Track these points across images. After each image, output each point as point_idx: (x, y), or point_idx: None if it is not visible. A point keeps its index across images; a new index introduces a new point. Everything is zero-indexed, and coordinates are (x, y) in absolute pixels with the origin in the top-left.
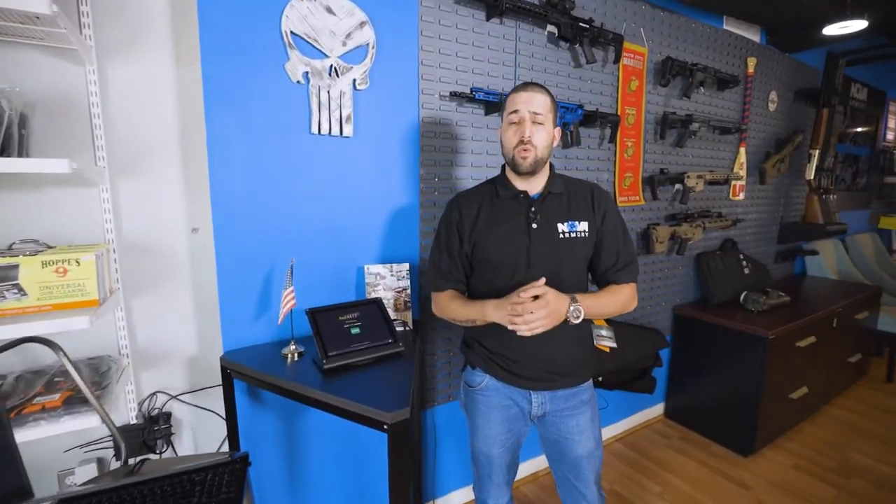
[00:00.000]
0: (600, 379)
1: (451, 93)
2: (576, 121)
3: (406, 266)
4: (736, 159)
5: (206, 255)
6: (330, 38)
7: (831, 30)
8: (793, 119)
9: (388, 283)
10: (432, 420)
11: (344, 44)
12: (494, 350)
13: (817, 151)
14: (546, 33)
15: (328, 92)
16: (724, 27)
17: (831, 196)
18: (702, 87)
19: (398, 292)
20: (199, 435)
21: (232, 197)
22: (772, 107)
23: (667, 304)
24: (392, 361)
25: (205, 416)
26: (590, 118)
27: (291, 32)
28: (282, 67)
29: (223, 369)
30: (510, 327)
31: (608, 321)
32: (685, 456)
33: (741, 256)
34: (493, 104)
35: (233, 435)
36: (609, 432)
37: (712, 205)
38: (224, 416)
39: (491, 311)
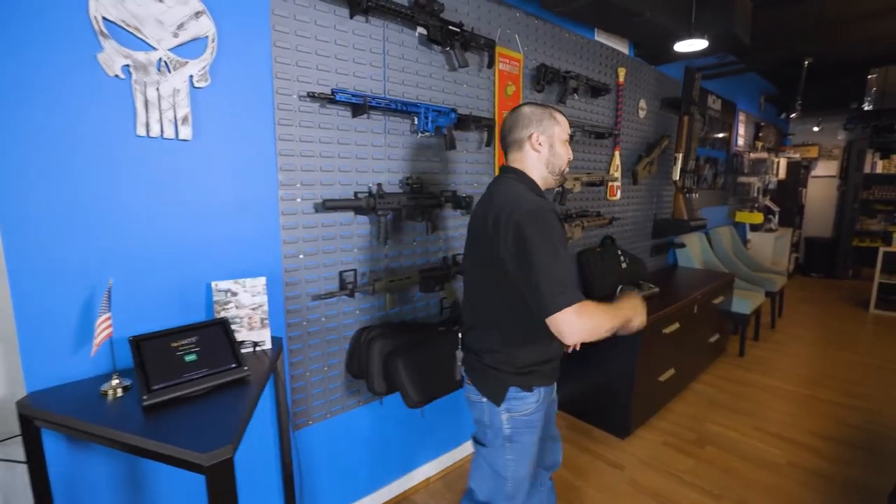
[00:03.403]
0: None
1: (308, 93)
2: (449, 124)
3: (262, 280)
4: (612, 162)
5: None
6: (157, 27)
7: (680, 47)
8: (660, 125)
9: (241, 300)
10: (307, 441)
11: (176, 35)
12: (548, 359)
13: (681, 155)
14: (417, 35)
15: (157, 89)
16: (596, 38)
17: (694, 194)
18: (576, 94)
19: (253, 309)
20: (12, 493)
21: (27, 210)
22: (642, 114)
23: None
24: (234, 389)
25: (19, 470)
26: (464, 122)
27: (104, 19)
28: (94, 59)
29: (21, 416)
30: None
31: None
32: (569, 444)
33: (619, 252)
34: (361, 106)
35: (42, 495)
36: None
37: (591, 205)
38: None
39: (638, 309)
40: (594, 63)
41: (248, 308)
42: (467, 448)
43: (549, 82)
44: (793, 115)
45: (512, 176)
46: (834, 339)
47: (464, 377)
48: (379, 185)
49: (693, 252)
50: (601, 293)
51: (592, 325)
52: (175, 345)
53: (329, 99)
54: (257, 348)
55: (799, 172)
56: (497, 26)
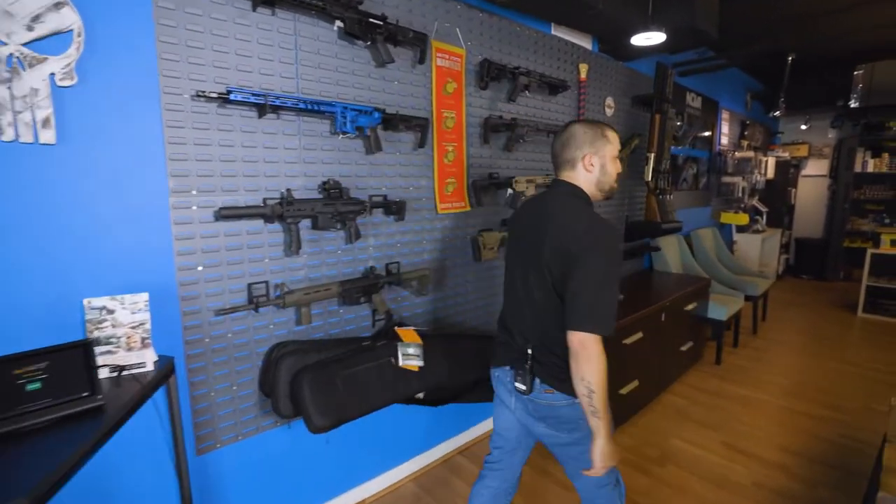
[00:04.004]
0: (420, 396)
1: (196, 92)
2: (373, 124)
3: (144, 296)
4: None
5: None
6: (5, 19)
7: (637, 40)
8: (631, 123)
9: (118, 318)
10: (216, 465)
11: (30, 28)
12: None
13: (653, 154)
14: (336, 29)
15: (9, 88)
16: (553, 33)
17: (668, 196)
18: (527, 91)
19: (133, 328)
20: None
21: None
22: (609, 112)
23: None
24: (85, 421)
25: None
26: (392, 122)
27: None
28: None
29: None
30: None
31: (423, 334)
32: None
33: None
34: (263, 106)
35: None
36: (453, 444)
37: None
38: None
39: (607, 432)
40: (551, 59)
41: (126, 327)
42: (393, 475)
43: (497, 79)
44: (777, 112)
45: (570, 191)
46: (817, 345)
47: (536, 390)
48: (287, 190)
49: (670, 255)
50: None
51: (602, 358)
52: (18, 371)
53: (224, 99)
54: (134, 371)
55: (788, 172)
56: (433, 19)
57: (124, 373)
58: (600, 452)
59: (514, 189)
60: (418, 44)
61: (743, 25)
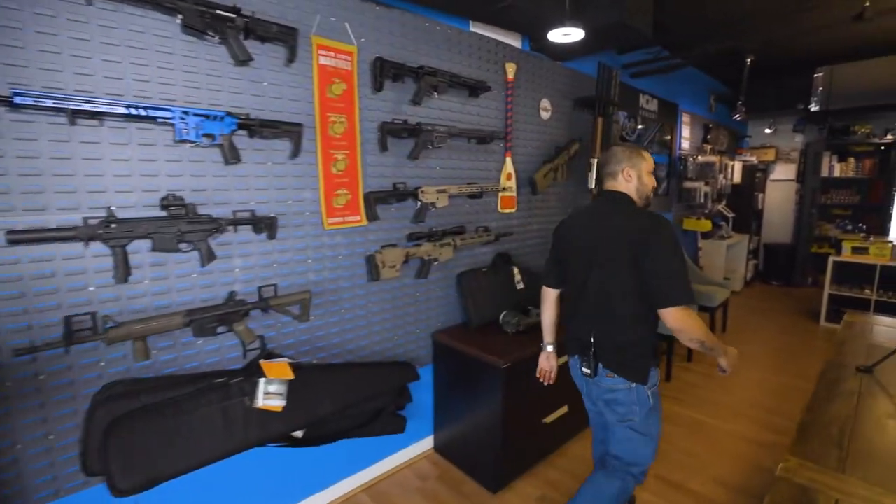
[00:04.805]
0: (300, 435)
1: None
2: (226, 132)
3: None
4: (503, 169)
5: None
6: None
7: (554, 35)
8: (576, 127)
9: None
10: None
11: None
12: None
13: (595, 160)
14: (178, 22)
15: None
16: (472, 30)
17: None
18: (435, 93)
19: None
20: None
21: None
22: (545, 115)
23: (428, 331)
24: None
25: None
26: (252, 128)
27: None
28: None
29: None
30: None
31: (301, 366)
32: (432, 502)
33: (516, 271)
34: (79, 112)
35: None
36: (361, 478)
37: (478, 219)
38: None
39: (729, 354)
40: (470, 58)
41: None
42: None
43: (398, 79)
44: (737, 115)
45: (618, 197)
46: (774, 357)
47: (600, 374)
48: (108, 208)
49: None
50: (483, 320)
51: (696, 321)
52: None
53: (7, 102)
54: None
55: (755, 176)
56: (312, 12)
57: None
58: (725, 366)
59: (421, 200)
60: (287, 39)
61: (696, 25)
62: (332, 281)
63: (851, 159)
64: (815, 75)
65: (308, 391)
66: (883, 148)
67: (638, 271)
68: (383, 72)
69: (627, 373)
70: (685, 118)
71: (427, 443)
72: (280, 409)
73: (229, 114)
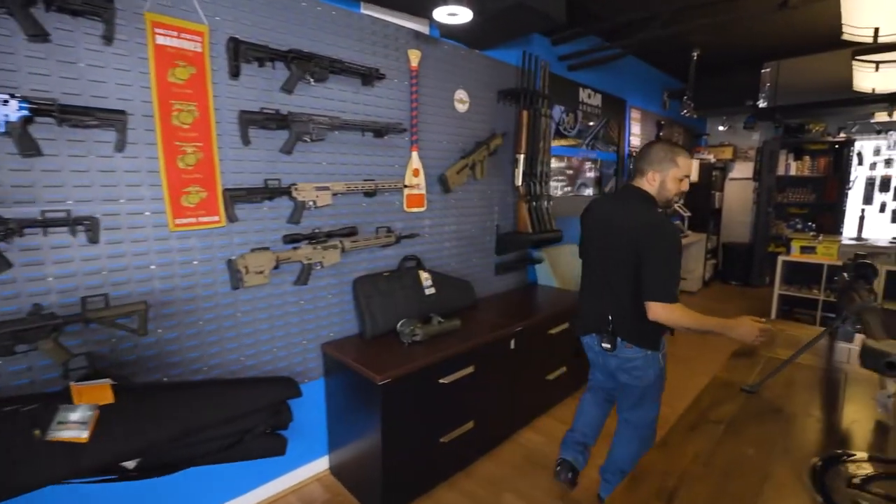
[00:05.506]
0: (131, 466)
1: None
2: (14, 118)
3: None
4: (408, 165)
5: None
6: None
7: (439, 15)
8: (500, 121)
9: None
10: None
11: None
12: None
13: (522, 156)
14: None
15: None
16: (363, 11)
17: (545, 203)
18: (311, 80)
19: None
20: None
21: None
22: (462, 107)
23: (317, 342)
24: None
25: None
26: (52, 114)
27: None
28: None
29: None
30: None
31: (132, 387)
32: None
33: (424, 276)
34: None
35: None
36: None
37: (378, 219)
38: None
39: (736, 329)
40: (363, 42)
41: None
42: None
43: (265, 64)
44: (685, 111)
45: (639, 195)
46: (714, 363)
47: (619, 347)
48: None
49: (559, 267)
50: (382, 330)
51: (684, 315)
52: None
53: None
54: None
55: (712, 174)
56: None
57: None
58: (737, 339)
59: (295, 198)
60: (100, 13)
61: (631, 11)
62: (186, 289)
63: (807, 158)
64: (763, 70)
65: (138, 415)
66: (837, 146)
67: (638, 262)
68: (239, 54)
69: (644, 342)
70: (635, 114)
71: (322, 464)
72: (84, 441)
73: (22, 98)
